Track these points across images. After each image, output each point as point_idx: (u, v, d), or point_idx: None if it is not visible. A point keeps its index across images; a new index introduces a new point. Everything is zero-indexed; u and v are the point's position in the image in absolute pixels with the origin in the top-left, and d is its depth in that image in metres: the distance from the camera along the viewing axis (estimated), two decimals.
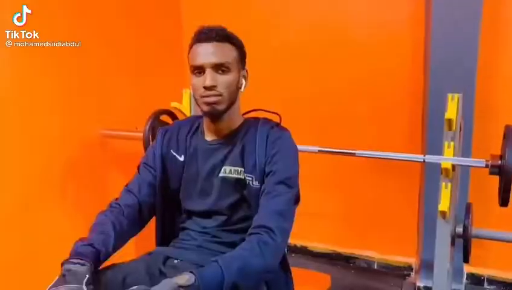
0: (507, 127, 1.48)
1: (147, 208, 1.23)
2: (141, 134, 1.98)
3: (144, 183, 1.24)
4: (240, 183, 1.17)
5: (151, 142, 1.97)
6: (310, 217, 2.38)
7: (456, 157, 1.55)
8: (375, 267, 2.60)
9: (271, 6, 2.67)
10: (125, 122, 2.21)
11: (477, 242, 1.94)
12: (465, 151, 1.96)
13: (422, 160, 1.59)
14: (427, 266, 2.24)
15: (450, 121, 1.53)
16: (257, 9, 2.70)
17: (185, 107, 2.00)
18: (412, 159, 1.65)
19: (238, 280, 0.95)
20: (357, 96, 2.51)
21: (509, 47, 2.14)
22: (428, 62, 2.15)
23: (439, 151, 1.59)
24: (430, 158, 1.58)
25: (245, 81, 1.21)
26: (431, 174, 2.13)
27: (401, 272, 2.52)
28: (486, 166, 1.48)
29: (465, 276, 2.31)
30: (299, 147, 1.73)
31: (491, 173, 1.47)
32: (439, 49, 2.07)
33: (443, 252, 1.58)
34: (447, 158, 1.54)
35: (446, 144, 1.56)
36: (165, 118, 2.07)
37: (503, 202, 1.45)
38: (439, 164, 1.53)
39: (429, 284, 2.22)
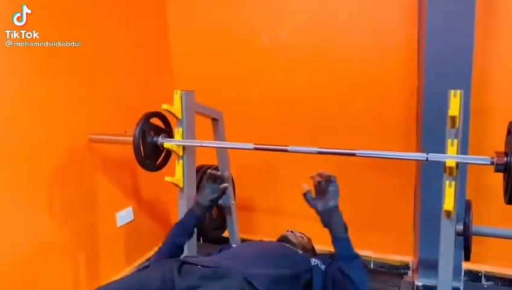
0: (511, 124, 1.46)
1: None
2: (131, 138, 1.89)
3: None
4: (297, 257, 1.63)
5: (141, 146, 1.90)
6: (306, 217, 2.32)
7: (460, 155, 1.51)
8: (372, 266, 2.58)
9: (262, 3, 2.62)
10: (114, 126, 2.13)
11: (474, 238, 1.92)
12: (462, 148, 1.94)
13: (425, 158, 1.54)
14: (425, 265, 2.22)
15: (453, 118, 1.49)
16: (246, 9, 2.63)
17: (176, 109, 1.91)
18: (415, 158, 1.61)
19: (356, 264, 1.46)
20: (352, 96, 2.48)
21: (504, 42, 2.14)
22: (422, 59, 2.13)
23: (436, 149, 1.55)
24: (433, 156, 1.53)
25: None
26: (428, 173, 2.11)
27: (398, 271, 2.51)
28: (492, 163, 1.44)
29: (462, 273, 2.30)
30: (298, 148, 1.68)
31: (497, 171, 1.44)
32: (434, 47, 2.04)
33: (448, 252, 1.54)
34: (452, 156, 1.50)
35: (449, 141, 1.52)
36: (155, 120, 1.99)
37: (510, 200, 1.42)
38: (442, 162, 1.50)
39: (428, 283, 2.21)
